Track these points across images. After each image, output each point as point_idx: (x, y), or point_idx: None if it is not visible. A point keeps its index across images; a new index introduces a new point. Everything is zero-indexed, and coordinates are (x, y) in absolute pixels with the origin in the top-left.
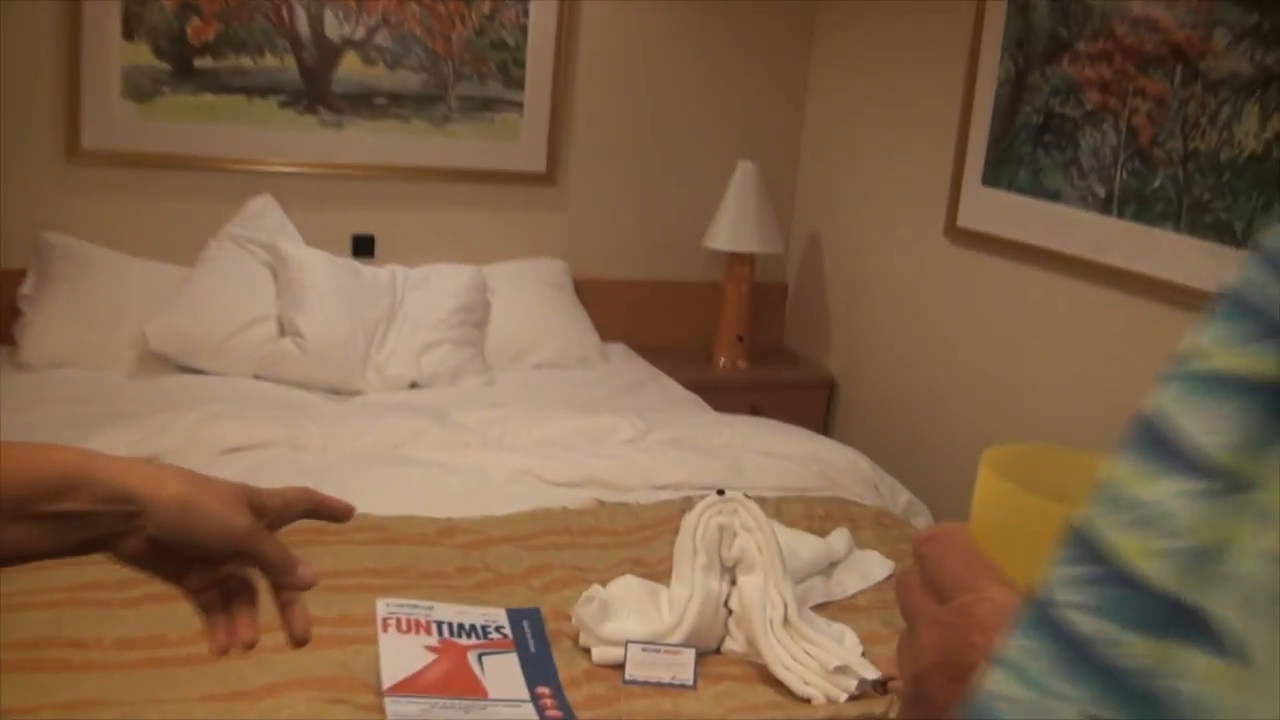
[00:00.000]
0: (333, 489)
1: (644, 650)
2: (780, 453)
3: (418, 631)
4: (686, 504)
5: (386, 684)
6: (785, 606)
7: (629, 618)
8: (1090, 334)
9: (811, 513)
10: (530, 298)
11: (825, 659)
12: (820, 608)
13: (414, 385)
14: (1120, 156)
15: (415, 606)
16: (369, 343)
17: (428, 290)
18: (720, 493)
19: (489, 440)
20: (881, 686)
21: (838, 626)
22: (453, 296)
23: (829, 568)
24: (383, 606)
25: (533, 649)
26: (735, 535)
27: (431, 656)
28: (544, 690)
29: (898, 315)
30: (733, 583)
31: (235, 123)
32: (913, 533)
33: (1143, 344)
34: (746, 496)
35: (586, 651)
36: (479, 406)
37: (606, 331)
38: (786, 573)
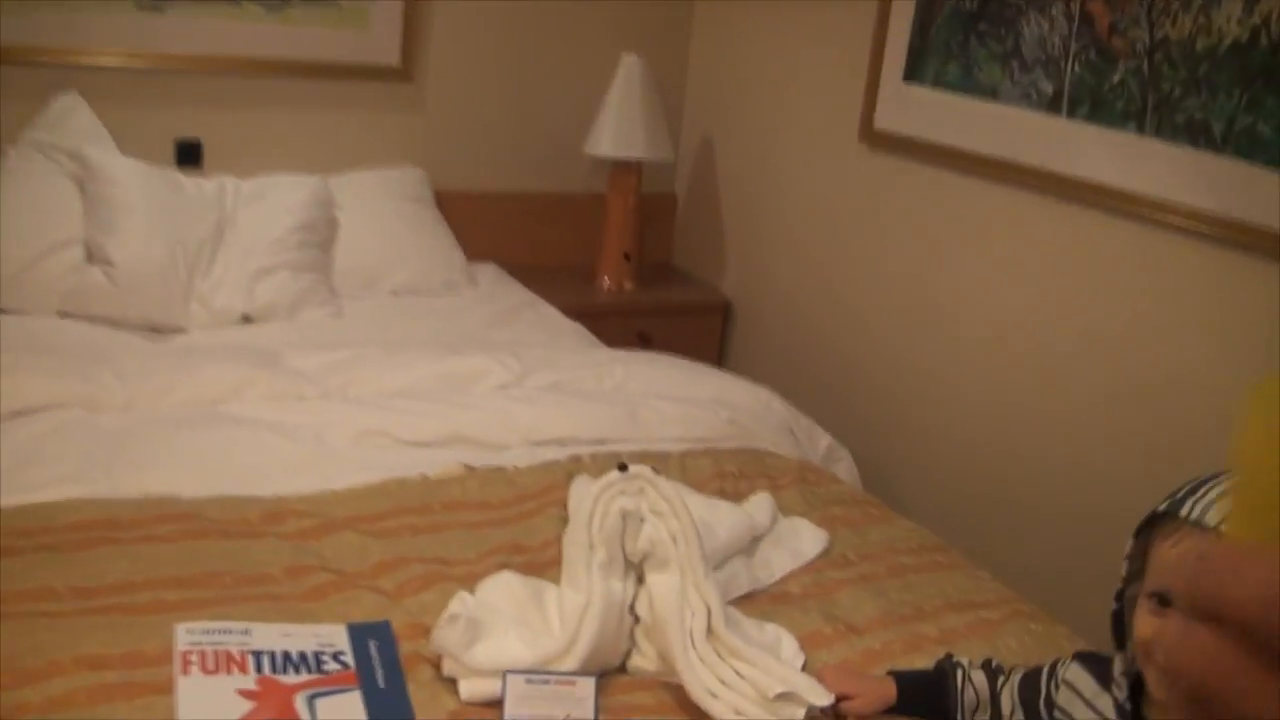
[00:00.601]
0: (130, 463)
1: (528, 682)
2: (681, 395)
3: (229, 669)
4: (574, 465)
5: None
6: (709, 614)
7: (507, 635)
8: (1032, 250)
9: (723, 469)
10: (384, 213)
11: (762, 683)
12: (745, 601)
13: (247, 319)
14: (1071, 47)
15: (227, 632)
16: (192, 270)
17: (262, 206)
18: (622, 468)
19: (330, 391)
20: (833, 711)
21: (771, 629)
22: (292, 213)
23: (751, 545)
24: (183, 636)
25: (382, 683)
26: (642, 522)
27: (246, 707)
28: None
29: (804, 230)
30: (640, 582)
31: (35, 5)
32: (842, 489)
33: (1096, 261)
34: (655, 470)
35: (453, 683)
36: (320, 348)
37: (474, 251)
38: (709, 569)
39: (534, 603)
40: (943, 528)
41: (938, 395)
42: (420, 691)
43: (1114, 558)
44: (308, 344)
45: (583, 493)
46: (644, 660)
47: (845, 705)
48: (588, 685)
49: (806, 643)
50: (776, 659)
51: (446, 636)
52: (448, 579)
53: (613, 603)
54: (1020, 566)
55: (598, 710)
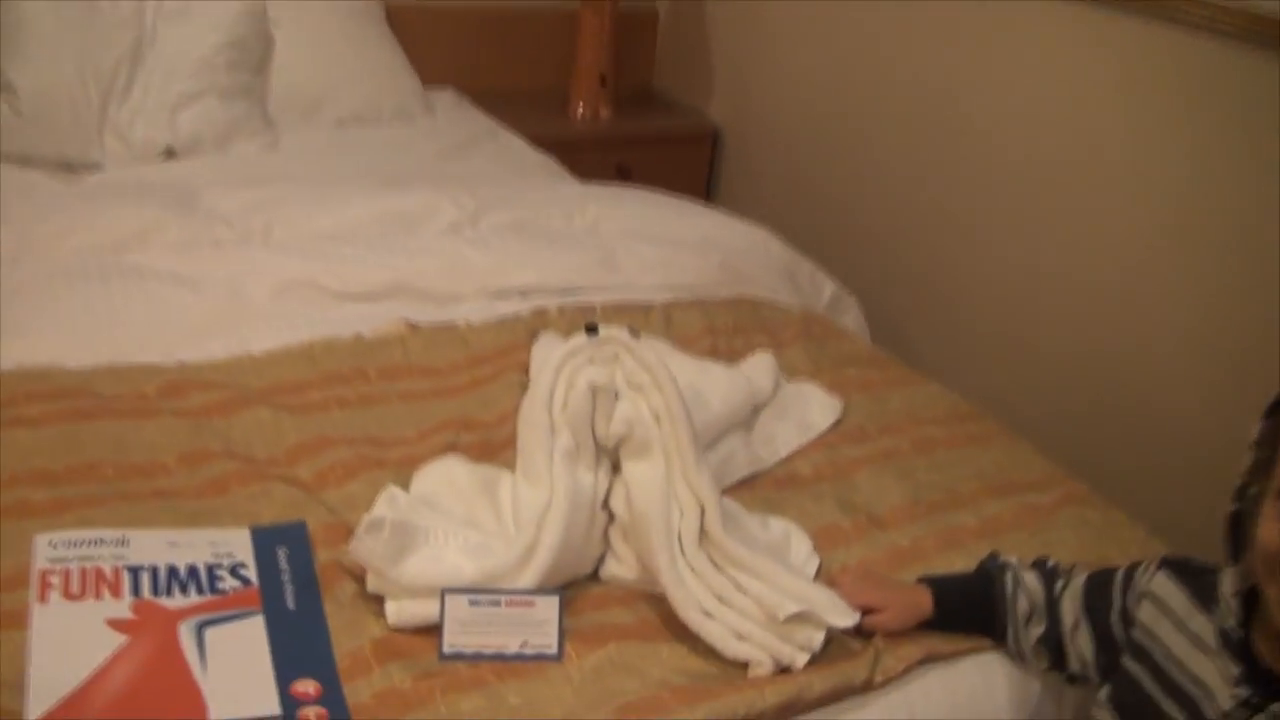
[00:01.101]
0: (4, 328)
1: (473, 603)
2: (664, 236)
3: (98, 593)
4: (539, 320)
5: (32, 716)
6: (701, 512)
7: (448, 542)
8: (1061, 64)
9: (714, 324)
10: (327, 30)
11: (769, 600)
12: (745, 487)
13: (170, 154)
14: None
15: (99, 543)
16: (106, 96)
17: (187, 23)
18: (591, 330)
19: (251, 235)
20: (856, 630)
21: (778, 525)
22: (219, 29)
23: (751, 416)
24: (43, 550)
25: (291, 603)
26: (617, 398)
27: (116, 642)
28: (305, 688)
29: (802, 46)
30: (615, 472)
31: None
32: (855, 347)
33: (1136, 75)
34: (632, 332)
35: (379, 602)
36: (244, 185)
37: (430, 74)
38: (700, 454)
39: (485, 497)
40: (964, 396)
41: (956, 236)
42: (339, 614)
43: (1172, 438)
44: (234, 181)
45: (547, 357)
46: (621, 567)
47: (871, 621)
48: (549, 606)
49: (820, 540)
50: (786, 568)
51: (367, 547)
52: (380, 465)
53: (581, 500)
54: (1056, 445)
55: (562, 636)
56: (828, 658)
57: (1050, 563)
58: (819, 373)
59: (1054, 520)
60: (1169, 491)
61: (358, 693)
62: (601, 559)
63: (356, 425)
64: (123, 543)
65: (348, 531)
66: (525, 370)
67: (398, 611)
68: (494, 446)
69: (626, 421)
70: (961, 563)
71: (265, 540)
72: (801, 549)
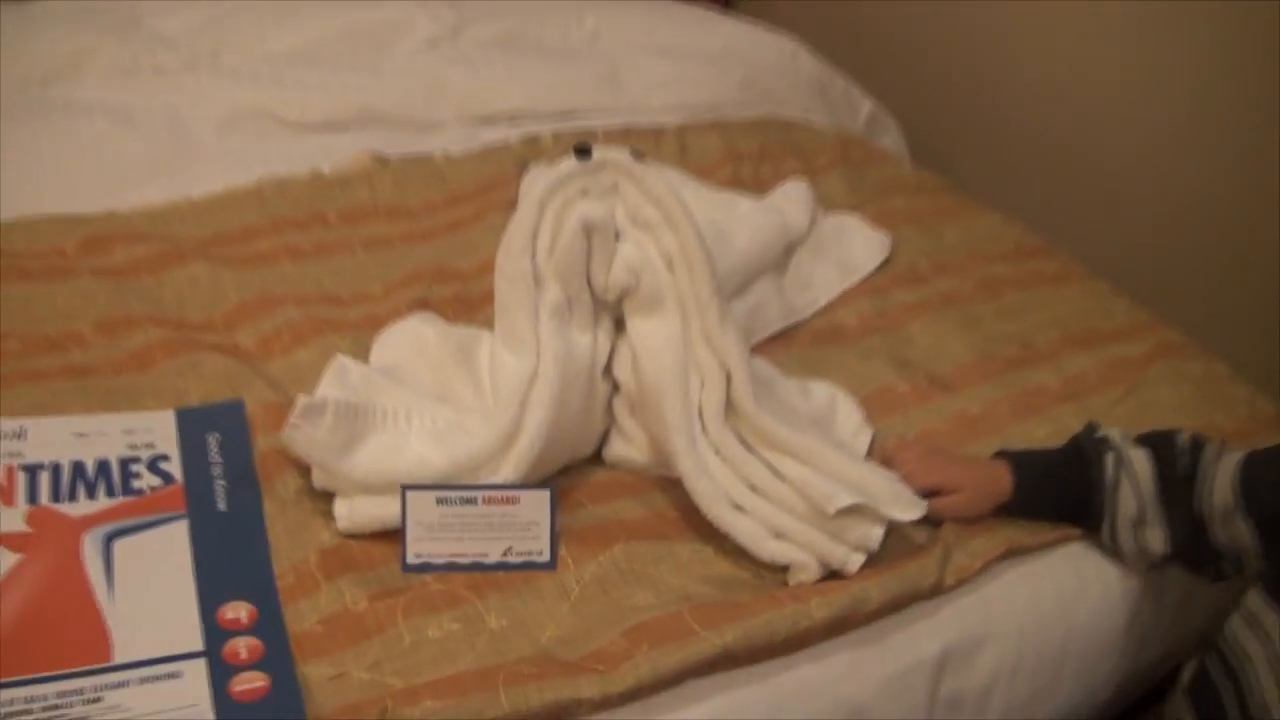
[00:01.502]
0: None
1: (442, 501)
2: (678, 49)
3: None
4: (529, 149)
5: None
6: (728, 379)
7: (411, 427)
8: None
9: (736, 149)
10: None
11: (814, 487)
12: (778, 342)
13: None
14: None
15: None
16: None
17: None
18: (582, 152)
19: (197, 59)
20: (924, 519)
21: (820, 391)
22: None
23: (784, 256)
24: None
25: (223, 505)
26: (619, 239)
27: (8, 562)
28: (236, 614)
29: None
30: (618, 330)
31: None
32: (901, 173)
33: None
34: (635, 154)
35: (329, 500)
36: (190, 1)
37: None
38: (725, 306)
39: (460, 366)
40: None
41: (1002, 47)
42: (281, 516)
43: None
44: None
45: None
46: (629, 448)
47: (939, 505)
48: (537, 503)
49: (872, 407)
50: (833, 446)
51: (305, 435)
52: (336, 327)
53: (574, 368)
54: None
55: (555, 539)
56: (885, 555)
57: (1188, 437)
58: (861, 204)
59: (1148, 377)
60: (1262, 335)
61: (301, 617)
62: (604, 438)
63: (310, 280)
64: (19, 435)
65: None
66: (513, 209)
67: (350, 513)
68: (473, 302)
69: (631, 268)
70: (1043, 433)
71: (193, 424)
72: (850, 420)
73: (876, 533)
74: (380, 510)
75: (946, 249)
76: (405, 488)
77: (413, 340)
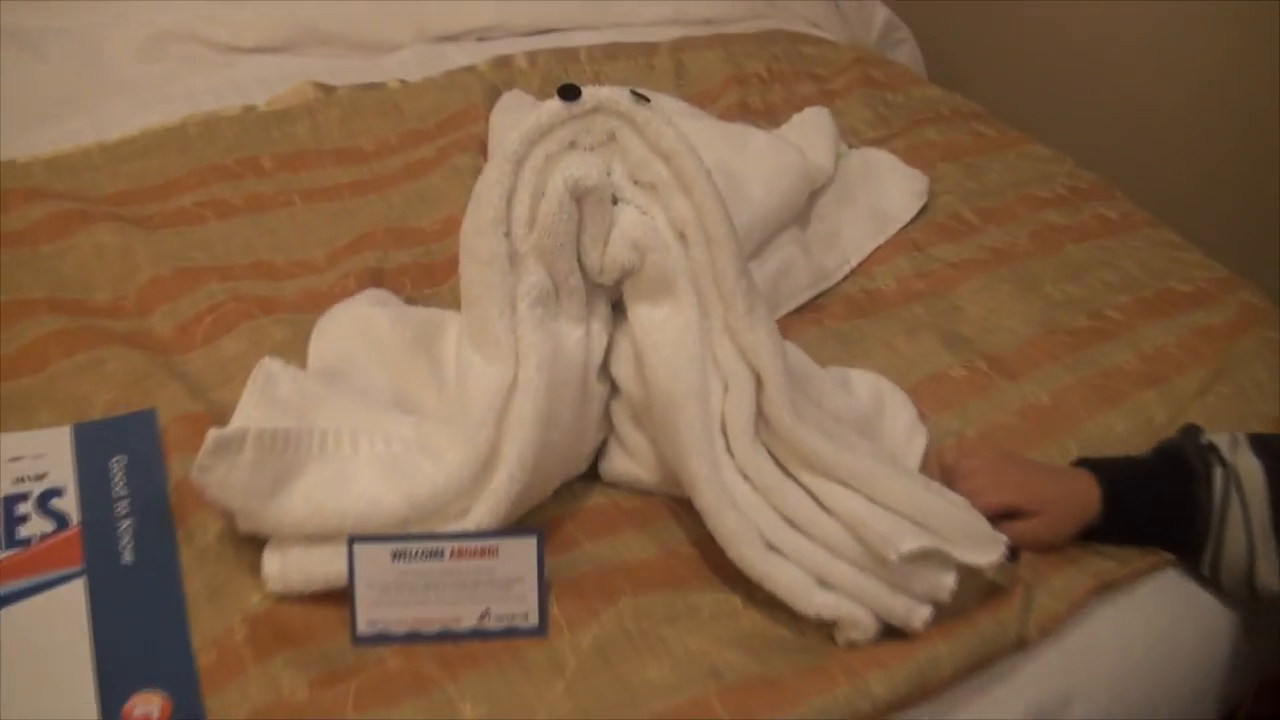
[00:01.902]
0: None
1: (399, 557)
2: None
3: None
4: (500, 73)
5: None
6: (759, 385)
7: (358, 452)
8: None
9: (742, 71)
10: None
11: (872, 527)
12: (807, 316)
13: None
14: None
15: None
16: None
17: None
18: (569, 93)
19: None
20: (1013, 554)
21: (863, 383)
22: None
23: (809, 203)
24: None
25: (129, 557)
26: (615, 205)
27: None
28: (146, 709)
29: None
30: (618, 315)
31: None
32: (931, 94)
33: None
34: (637, 95)
35: (256, 547)
36: None
37: None
38: (756, 293)
39: (420, 359)
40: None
41: None
42: (200, 569)
43: None
44: None
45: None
46: (631, 462)
47: (1017, 533)
48: (522, 554)
49: (923, 397)
50: (888, 465)
51: (218, 479)
52: (270, 307)
53: (565, 372)
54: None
55: (545, 597)
56: (956, 605)
57: None
58: (889, 136)
59: (1237, 351)
60: None
61: (227, 708)
62: (601, 450)
63: (240, 244)
64: None
65: (217, 420)
66: (482, 149)
67: (283, 570)
68: (435, 269)
69: (633, 243)
70: (1124, 426)
71: (94, 445)
72: (900, 419)
73: (948, 581)
74: (322, 567)
75: (991, 191)
76: (352, 540)
77: (361, 328)
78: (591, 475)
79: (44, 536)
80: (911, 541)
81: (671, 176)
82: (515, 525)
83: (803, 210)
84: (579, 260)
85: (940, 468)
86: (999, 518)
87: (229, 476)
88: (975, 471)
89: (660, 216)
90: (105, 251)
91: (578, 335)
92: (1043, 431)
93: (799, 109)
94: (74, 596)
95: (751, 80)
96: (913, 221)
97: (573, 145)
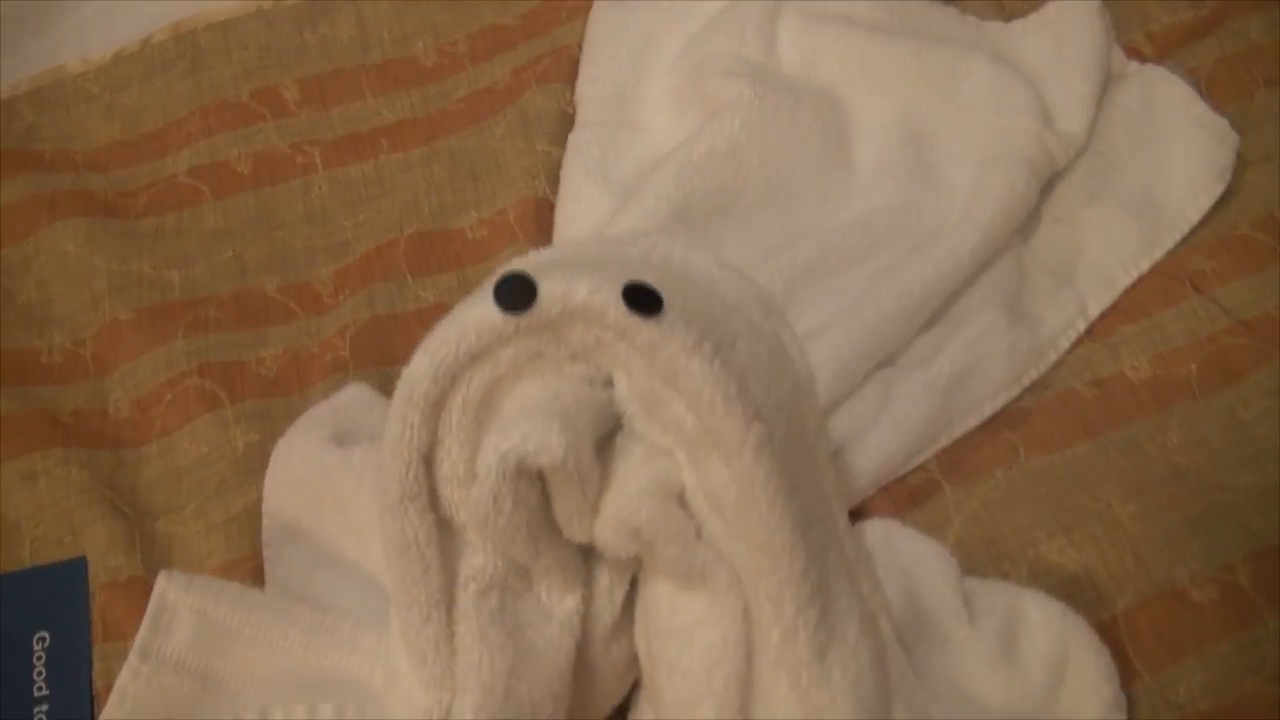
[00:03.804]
0: None
1: None
2: None
3: None
4: None
5: None
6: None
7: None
8: None
9: None
10: None
11: None
12: (997, 431)
13: None
14: None
15: None
16: None
17: None
18: (514, 295)
19: None
20: None
21: (1044, 625)
22: None
23: (1040, 197)
24: None
25: None
26: (614, 454)
27: None
28: None
29: None
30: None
31: None
32: None
33: None
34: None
35: None
36: None
37: None
38: (839, 616)
39: None
40: None
41: None
42: None
43: None
44: None
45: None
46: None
47: None
48: None
49: (1138, 641)
50: None
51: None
52: (241, 385)
53: (543, 671)
54: None
55: None
56: None
57: None
58: (1191, 34)
59: None
60: None
61: None
62: (629, 700)
63: (228, 254)
64: None
65: (146, 590)
66: (570, 78)
67: None
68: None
69: (633, 531)
70: None
71: (15, 611)
72: (1087, 703)
73: None
74: None
75: None
76: None
77: (317, 480)
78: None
79: None
80: None
81: (699, 430)
82: None
83: (1028, 216)
84: (557, 528)
85: None
86: None
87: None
88: None
89: (688, 473)
90: (68, 267)
91: (565, 610)
92: None
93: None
94: None
95: None
96: (1200, 225)
97: (537, 356)
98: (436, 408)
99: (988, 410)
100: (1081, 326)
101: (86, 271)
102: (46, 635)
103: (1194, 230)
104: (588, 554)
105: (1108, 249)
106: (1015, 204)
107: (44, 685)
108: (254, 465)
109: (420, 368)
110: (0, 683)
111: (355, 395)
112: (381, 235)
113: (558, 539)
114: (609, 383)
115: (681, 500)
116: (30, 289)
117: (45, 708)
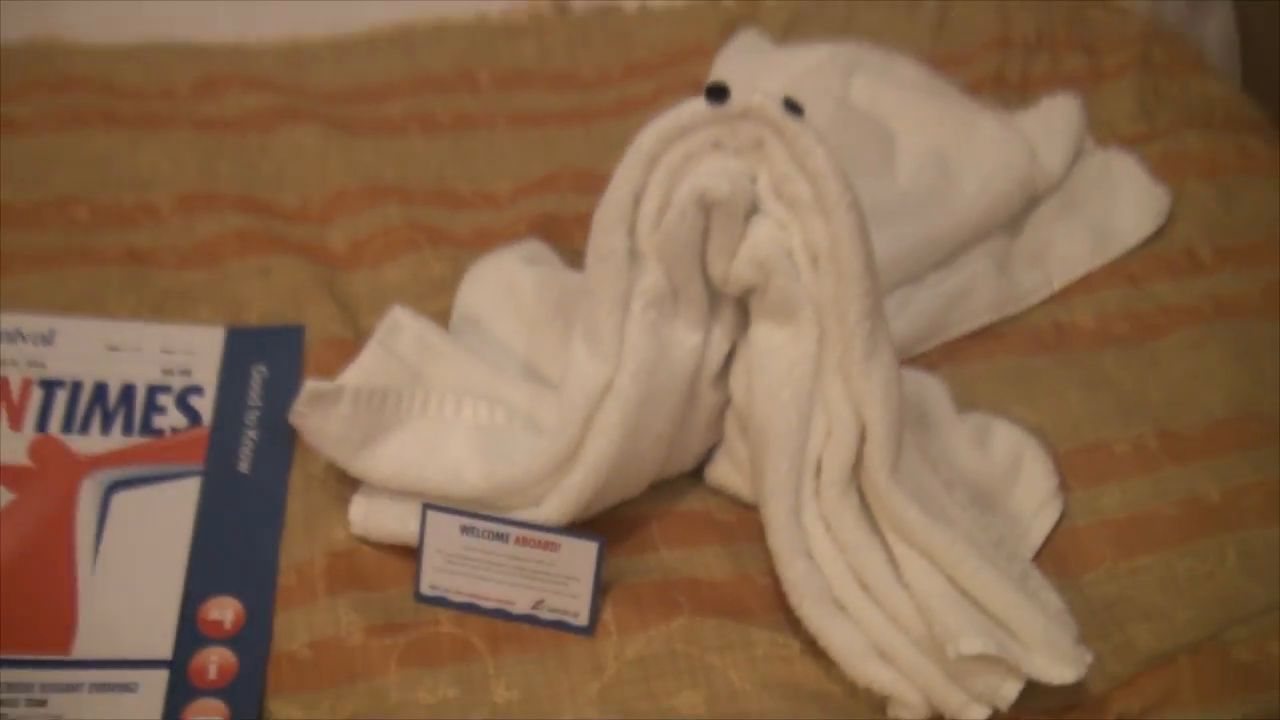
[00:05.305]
0: None
1: (468, 531)
2: None
3: None
4: (743, 6)
5: None
6: (861, 434)
7: (459, 417)
8: None
9: (1008, 33)
10: None
11: (940, 616)
12: (981, 341)
13: None
14: None
15: (16, 336)
16: None
17: None
18: (717, 94)
19: None
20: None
21: (1004, 440)
22: None
23: (1021, 212)
24: None
25: (245, 466)
26: (751, 219)
27: (2, 501)
28: (220, 614)
29: None
30: (743, 329)
31: None
32: (1214, 92)
33: None
34: (790, 107)
35: (354, 486)
36: None
37: None
38: (880, 337)
39: (553, 328)
40: None
41: None
42: (304, 493)
43: None
44: None
45: (738, 63)
46: (735, 473)
47: None
48: (581, 556)
49: (1075, 466)
50: (981, 554)
51: (315, 427)
52: (437, 239)
53: (667, 380)
54: None
55: (597, 600)
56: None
57: None
58: (1148, 137)
59: None
60: None
61: (290, 633)
62: (712, 451)
63: (433, 164)
64: (46, 340)
65: (355, 349)
66: (697, 91)
67: (366, 518)
68: None
69: (759, 263)
70: None
71: (241, 351)
72: (1035, 491)
73: (1009, 690)
74: (398, 524)
75: (1240, 225)
76: (426, 507)
77: (505, 283)
78: (696, 475)
79: (175, 431)
80: (975, 644)
81: (813, 198)
82: (589, 522)
83: (1017, 216)
84: (702, 268)
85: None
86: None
87: (323, 426)
88: None
89: (797, 236)
90: (303, 154)
91: (693, 342)
92: (1200, 530)
93: (1060, 88)
94: (187, 494)
95: (1016, 44)
96: (1137, 248)
97: (717, 147)
98: (651, 162)
99: (974, 324)
100: (1046, 293)
101: (320, 157)
102: (265, 369)
103: (1134, 250)
104: (713, 307)
105: (1071, 250)
106: (1011, 196)
107: (257, 399)
108: (445, 289)
109: (649, 131)
110: (224, 399)
111: (536, 245)
112: (552, 167)
113: (702, 276)
114: (753, 180)
115: (789, 255)
116: (268, 165)
117: (254, 416)
